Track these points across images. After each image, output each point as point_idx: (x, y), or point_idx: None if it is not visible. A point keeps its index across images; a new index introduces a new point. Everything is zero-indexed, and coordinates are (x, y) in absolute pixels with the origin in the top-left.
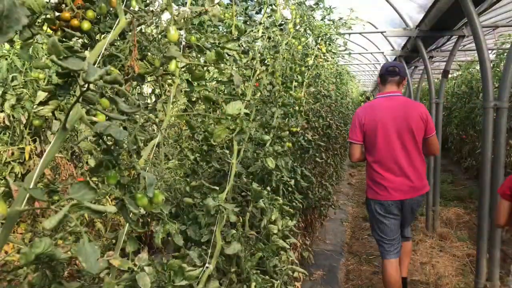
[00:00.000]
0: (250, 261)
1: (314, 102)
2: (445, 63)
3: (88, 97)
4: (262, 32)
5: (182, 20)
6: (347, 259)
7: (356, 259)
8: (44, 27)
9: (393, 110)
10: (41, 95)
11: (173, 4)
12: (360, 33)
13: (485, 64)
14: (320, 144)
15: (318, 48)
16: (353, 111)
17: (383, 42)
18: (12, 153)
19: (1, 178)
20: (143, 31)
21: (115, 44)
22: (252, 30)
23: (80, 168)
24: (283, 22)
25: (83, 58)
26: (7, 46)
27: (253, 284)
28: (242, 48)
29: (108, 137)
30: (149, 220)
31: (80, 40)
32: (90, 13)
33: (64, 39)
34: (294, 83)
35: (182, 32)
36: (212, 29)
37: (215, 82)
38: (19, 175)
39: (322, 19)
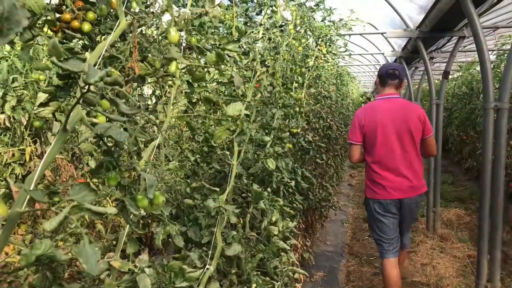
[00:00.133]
0: (250, 262)
1: (314, 103)
2: (445, 64)
3: (89, 99)
4: (263, 33)
5: (183, 22)
6: (348, 260)
7: (357, 260)
8: (45, 29)
9: (393, 112)
10: (42, 97)
11: (173, 5)
12: (360, 34)
13: (486, 65)
14: (320, 145)
15: (319, 49)
16: (353, 112)
17: (383, 43)
18: (13, 155)
19: (1, 179)
20: (144, 32)
21: (116, 45)
22: (252, 32)
23: (81, 170)
24: (283, 23)
25: (84, 60)
26: (7, 47)
27: (254, 285)
28: (243, 49)
29: (109, 139)
30: (149, 221)
31: (80, 42)
32: (91, 15)
33: (64, 40)
34: (295, 84)
35: (183, 33)
36: (213, 31)
37: (215, 83)
38: (20, 177)
39: (322, 20)
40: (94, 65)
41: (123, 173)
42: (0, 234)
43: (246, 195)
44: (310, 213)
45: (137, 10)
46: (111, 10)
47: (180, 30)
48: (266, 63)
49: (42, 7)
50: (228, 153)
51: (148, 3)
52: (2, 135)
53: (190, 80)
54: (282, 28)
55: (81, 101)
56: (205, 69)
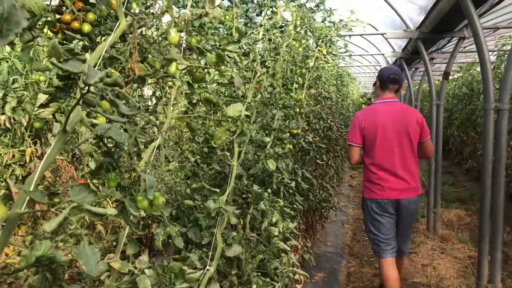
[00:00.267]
0: (251, 263)
1: (314, 104)
2: (445, 64)
3: (89, 100)
4: (263, 34)
5: (183, 22)
6: (348, 261)
7: (357, 261)
8: (45, 30)
9: (393, 114)
10: (42, 98)
11: (173, 6)
12: (360, 35)
13: (486, 66)
14: (321, 146)
15: (319, 50)
16: (353, 113)
17: (383, 44)
18: (13, 155)
19: (2, 180)
20: (144, 33)
21: (116, 46)
22: (252, 32)
23: (81, 171)
24: (283, 24)
25: (84, 61)
26: (8, 48)
27: (254, 286)
28: (243, 50)
29: (109, 140)
30: (149, 222)
31: (80, 43)
32: (91, 16)
33: (64, 41)
34: (295, 85)
35: (183, 34)
36: (213, 31)
37: (215, 84)
38: (20, 177)
39: (322, 21)
40: (94, 66)
41: (123, 174)
42: (0, 235)
43: (246, 196)
44: (310, 214)
45: (137, 11)
46: (111, 11)
47: (180, 31)
48: (266, 64)
49: (42, 8)
50: (228, 154)
51: (148, 4)
52: (3, 136)
53: (190, 81)
54: (282, 29)
55: (81, 102)
56: (205, 70)
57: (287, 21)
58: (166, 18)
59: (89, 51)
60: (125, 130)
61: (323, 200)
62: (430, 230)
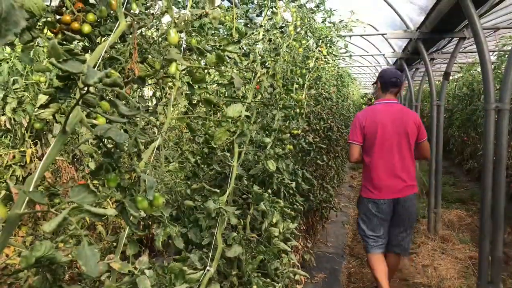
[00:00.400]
0: (251, 264)
1: (315, 105)
2: (446, 65)
3: (88, 100)
4: (263, 35)
5: (183, 23)
6: (349, 262)
7: (358, 262)
8: (45, 30)
9: (392, 113)
10: (42, 98)
11: (173, 7)
12: (360, 35)
13: (486, 66)
14: (321, 146)
15: (319, 51)
16: (354, 113)
17: (383, 44)
18: (13, 156)
19: (2, 181)
20: (144, 34)
21: (116, 47)
22: (252, 33)
23: (82, 171)
24: (283, 25)
25: (83, 61)
26: (8, 49)
27: (254, 287)
28: (243, 50)
29: (109, 140)
30: (149, 223)
31: (80, 43)
32: (91, 16)
33: (64, 42)
34: (295, 86)
35: (183, 34)
36: (213, 32)
37: (215, 84)
38: (20, 178)
39: (322, 22)
40: (94, 67)
41: (123, 175)
42: (0, 235)
43: (246, 196)
44: (311, 214)
45: (137, 12)
46: (111, 12)
47: (180, 32)
48: (267, 64)
49: (42, 8)
50: (228, 154)
51: (148, 4)
52: (3, 137)
53: (190, 82)
54: (282, 30)
55: (80, 102)
56: (205, 71)
57: (287, 21)
58: (166, 19)
59: (89, 52)
60: (125, 131)
61: (323, 200)
62: (430, 230)
